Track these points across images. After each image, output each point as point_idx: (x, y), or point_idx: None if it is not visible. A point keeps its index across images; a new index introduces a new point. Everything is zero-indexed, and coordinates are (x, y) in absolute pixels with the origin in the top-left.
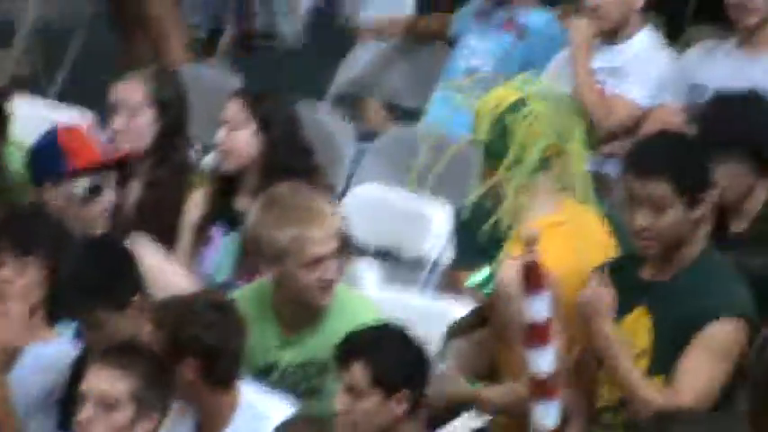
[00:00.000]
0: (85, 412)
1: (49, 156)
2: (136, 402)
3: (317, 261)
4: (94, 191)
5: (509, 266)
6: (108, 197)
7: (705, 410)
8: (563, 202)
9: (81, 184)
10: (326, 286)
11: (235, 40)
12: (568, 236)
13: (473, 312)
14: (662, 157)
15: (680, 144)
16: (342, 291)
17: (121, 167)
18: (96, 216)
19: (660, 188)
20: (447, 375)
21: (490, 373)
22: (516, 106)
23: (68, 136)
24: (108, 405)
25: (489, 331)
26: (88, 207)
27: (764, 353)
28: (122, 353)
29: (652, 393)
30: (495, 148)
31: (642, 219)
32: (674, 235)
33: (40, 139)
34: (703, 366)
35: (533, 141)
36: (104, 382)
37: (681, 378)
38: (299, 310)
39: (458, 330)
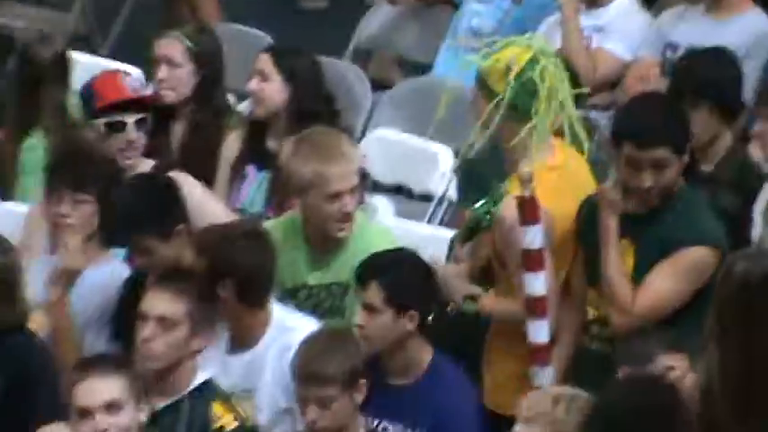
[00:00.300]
0: (147, 330)
1: (85, 97)
2: (190, 321)
3: (337, 195)
4: (112, 127)
5: (509, 203)
6: (129, 135)
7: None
8: (557, 146)
9: (100, 121)
10: (345, 219)
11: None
12: (560, 180)
13: (464, 229)
14: (660, 127)
15: (670, 111)
16: (362, 220)
17: (159, 111)
18: (115, 150)
19: (661, 152)
20: (456, 275)
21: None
22: (532, 63)
23: (101, 79)
24: (167, 324)
25: (477, 243)
26: (108, 142)
27: (728, 276)
28: (178, 278)
29: (623, 289)
30: (524, 102)
31: (648, 180)
32: (672, 185)
33: (83, 84)
34: (664, 283)
35: (553, 94)
36: (164, 304)
37: (643, 289)
38: (324, 238)
39: (456, 242)
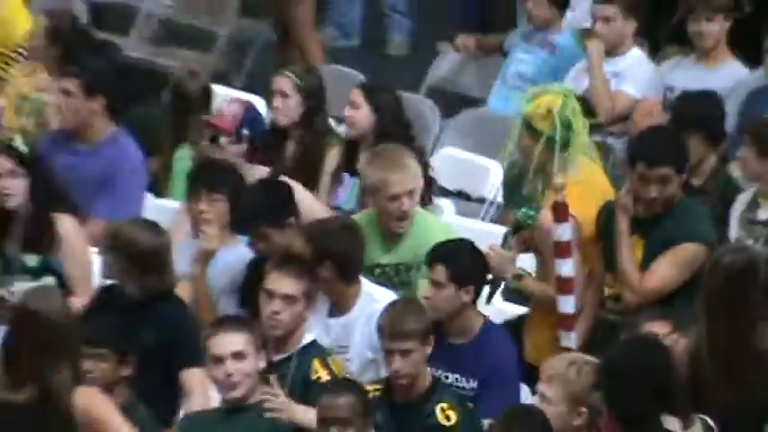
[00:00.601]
0: (275, 306)
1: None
2: (306, 297)
3: (396, 197)
4: (212, 141)
5: (546, 214)
6: (229, 149)
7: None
8: (581, 164)
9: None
10: (403, 216)
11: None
12: (584, 191)
13: (512, 226)
14: (665, 151)
15: (673, 139)
16: (424, 215)
17: (275, 132)
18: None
19: (665, 170)
20: (507, 260)
21: None
22: (564, 106)
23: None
24: (290, 301)
25: (521, 237)
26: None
27: (716, 266)
28: (294, 262)
29: (633, 274)
30: (563, 135)
31: (654, 191)
32: (673, 196)
33: None
34: (665, 270)
35: (580, 128)
36: (287, 284)
37: (649, 274)
38: (391, 229)
39: (508, 235)
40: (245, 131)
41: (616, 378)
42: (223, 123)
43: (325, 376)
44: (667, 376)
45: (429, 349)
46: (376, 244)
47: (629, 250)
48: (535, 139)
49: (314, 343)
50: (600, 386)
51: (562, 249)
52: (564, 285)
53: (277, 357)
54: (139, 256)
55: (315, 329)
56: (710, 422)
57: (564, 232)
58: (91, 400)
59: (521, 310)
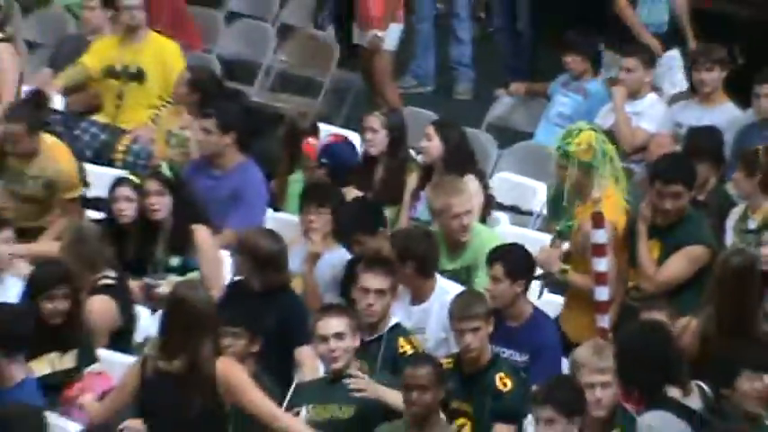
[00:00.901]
0: (369, 299)
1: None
2: (391, 290)
3: (457, 216)
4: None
5: (585, 222)
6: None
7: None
8: (610, 184)
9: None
10: (463, 230)
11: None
12: (613, 204)
13: (556, 233)
14: (678, 172)
15: (684, 163)
16: (480, 228)
17: (366, 160)
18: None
19: (678, 188)
20: (554, 258)
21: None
22: (599, 140)
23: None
24: (381, 294)
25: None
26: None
27: (725, 264)
28: (384, 262)
29: (650, 269)
30: (602, 165)
31: (669, 204)
32: (684, 208)
33: None
34: (676, 266)
35: (613, 157)
36: (379, 281)
37: (663, 269)
38: (453, 240)
39: (554, 239)
40: (324, 160)
41: (626, 357)
42: (309, 150)
43: (409, 350)
44: (668, 354)
45: (490, 329)
46: (443, 255)
47: (648, 250)
48: (569, 166)
49: (398, 325)
50: (616, 363)
51: (598, 250)
52: (600, 278)
53: (369, 338)
54: (262, 257)
55: (398, 314)
56: (706, 388)
57: (600, 236)
58: (229, 369)
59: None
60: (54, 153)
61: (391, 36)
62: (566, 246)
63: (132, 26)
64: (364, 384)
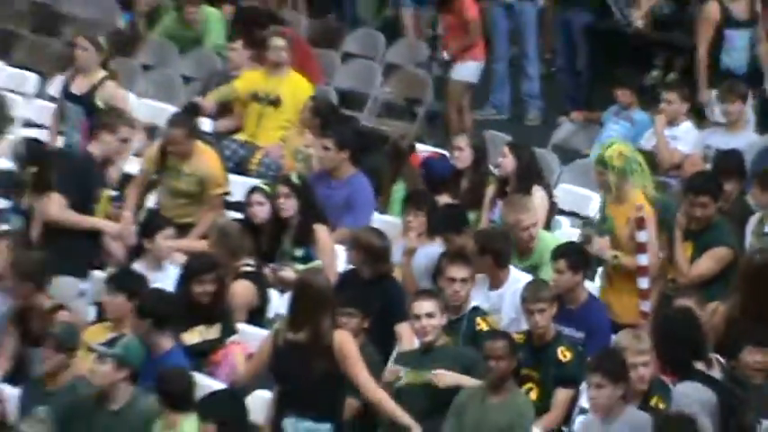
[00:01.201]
0: (455, 287)
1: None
2: (471, 280)
3: (525, 228)
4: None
5: (632, 223)
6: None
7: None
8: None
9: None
10: (530, 238)
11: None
12: (649, 211)
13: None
14: (707, 186)
15: (712, 179)
16: (543, 233)
17: (456, 173)
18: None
19: (707, 199)
20: (606, 246)
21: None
22: (629, 150)
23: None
24: (464, 282)
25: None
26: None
27: (751, 261)
28: (465, 257)
29: (684, 266)
30: (637, 174)
31: (699, 213)
32: (712, 216)
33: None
34: (705, 264)
35: (642, 165)
36: (463, 271)
37: (695, 266)
38: (523, 246)
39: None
40: (422, 172)
41: (662, 337)
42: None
43: (485, 328)
44: (695, 335)
45: (554, 310)
46: (513, 256)
47: (683, 251)
48: (606, 173)
49: (477, 307)
50: (654, 344)
51: (641, 247)
52: (642, 270)
53: (454, 317)
54: (371, 251)
55: (478, 298)
56: (722, 360)
57: (643, 236)
58: (345, 341)
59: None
60: (205, 155)
61: (471, 72)
62: (606, 239)
63: (277, 63)
64: (447, 377)
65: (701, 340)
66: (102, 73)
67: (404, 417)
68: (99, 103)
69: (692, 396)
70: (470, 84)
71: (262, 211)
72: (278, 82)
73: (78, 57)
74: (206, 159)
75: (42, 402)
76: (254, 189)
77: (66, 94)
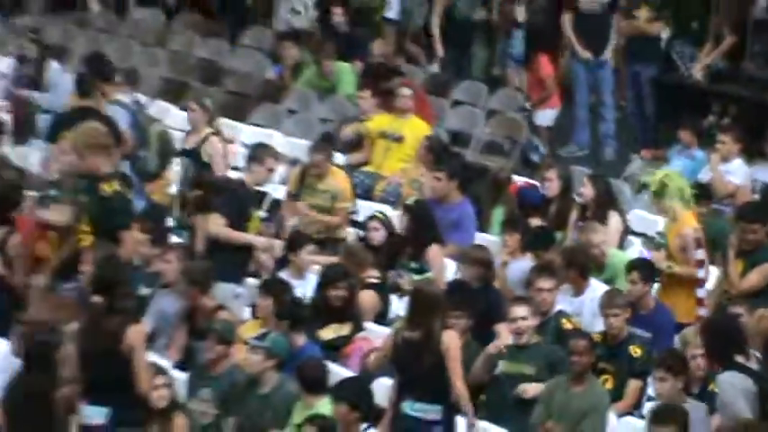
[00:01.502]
0: (543, 295)
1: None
2: (556, 288)
3: (595, 246)
4: None
5: (692, 242)
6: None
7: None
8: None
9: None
10: (601, 255)
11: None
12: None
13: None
14: (756, 214)
15: (761, 209)
16: (614, 251)
17: (546, 200)
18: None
19: (756, 227)
20: (663, 259)
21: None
22: (669, 178)
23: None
24: (551, 290)
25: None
26: None
27: None
28: (551, 269)
29: (736, 280)
30: (681, 192)
31: (749, 236)
32: (761, 239)
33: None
34: (754, 278)
35: (684, 192)
36: (549, 282)
37: (745, 280)
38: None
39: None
40: (518, 199)
41: (710, 336)
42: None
43: (569, 327)
44: (735, 333)
45: (628, 315)
46: (594, 271)
47: (735, 267)
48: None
49: (561, 311)
50: (703, 341)
51: (698, 263)
52: (700, 282)
53: (542, 319)
54: (477, 263)
55: (562, 303)
56: (758, 354)
57: (700, 254)
58: (451, 340)
59: None
60: (338, 176)
61: (548, 118)
62: (662, 252)
63: (403, 108)
64: (530, 389)
65: (741, 338)
66: (208, 130)
67: (470, 416)
68: (204, 157)
69: (733, 383)
70: (548, 127)
71: (378, 236)
72: (402, 123)
73: (189, 117)
74: (338, 179)
75: (205, 385)
76: (372, 217)
77: (182, 150)
